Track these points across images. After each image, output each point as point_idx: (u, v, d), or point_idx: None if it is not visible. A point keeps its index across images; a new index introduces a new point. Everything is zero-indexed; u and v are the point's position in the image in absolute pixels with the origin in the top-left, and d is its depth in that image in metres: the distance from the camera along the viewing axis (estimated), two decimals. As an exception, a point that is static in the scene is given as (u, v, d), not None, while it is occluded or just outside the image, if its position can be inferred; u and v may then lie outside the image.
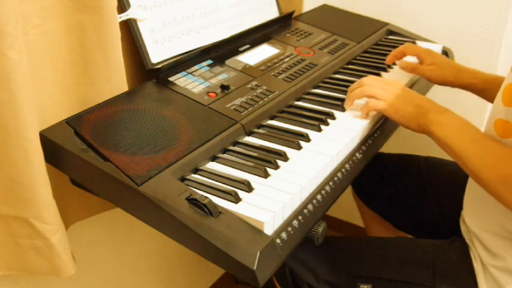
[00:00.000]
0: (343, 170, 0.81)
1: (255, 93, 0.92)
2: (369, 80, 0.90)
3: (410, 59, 1.12)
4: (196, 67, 0.97)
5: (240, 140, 0.82)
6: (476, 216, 0.84)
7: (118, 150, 0.72)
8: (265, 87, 0.95)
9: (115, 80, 0.83)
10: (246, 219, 0.64)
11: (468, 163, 0.75)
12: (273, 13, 1.23)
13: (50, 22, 0.75)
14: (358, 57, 1.19)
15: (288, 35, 1.19)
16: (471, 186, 0.87)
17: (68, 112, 0.80)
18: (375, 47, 1.27)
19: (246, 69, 1.00)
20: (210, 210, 0.64)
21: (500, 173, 0.71)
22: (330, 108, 0.94)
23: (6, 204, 0.72)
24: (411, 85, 1.11)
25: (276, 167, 0.75)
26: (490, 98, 0.93)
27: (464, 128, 0.78)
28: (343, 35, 1.25)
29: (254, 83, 0.96)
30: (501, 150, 0.72)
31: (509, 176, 0.69)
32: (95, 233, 1.04)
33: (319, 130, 0.86)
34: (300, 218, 0.69)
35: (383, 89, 0.88)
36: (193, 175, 0.73)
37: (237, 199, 0.67)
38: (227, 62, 1.01)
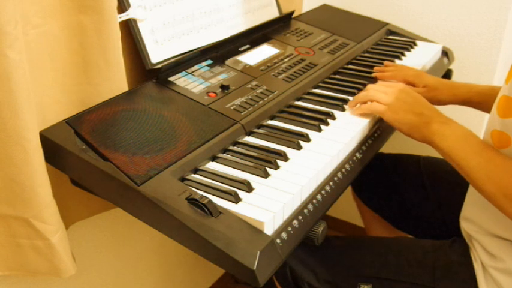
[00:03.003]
0: (343, 170, 0.81)
1: (255, 93, 0.92)
2: (374, 85, 0.90)
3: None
4: (196, 67, 0.97)
5: (240, 140, 0.82)
6: (474, 220, 0.84)
7: (118, 150, 0.72)
8: (265, 87, 0.95)
9: (115, 80, 0.83)
10: (246, 219, 0.64)
11: (471, 175, 0.74)
12: (273, 13, 1.23)
13: (50, 22, 0.75)
14: (358, 57, 1.19)
15: (288, 35, 1.19)
16: (470, 192, 0.87)
17: (68, 112, 0.80)
18: (375, 47, 1.27)
19: (246, 69, 1.00)
20: (210, 210, 0.64)
21: (504, 186, 0.70)
22: (330, 108, 0.94)
23: (6, 204, 0.72)
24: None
25: (276, 167, 0.75)
26: (488, 109, 0.91)
27: (468, 139, 0.77)
28: (343, 35, 1.25)
29: (254, 83, 0.96)
30: (504, 163, 0.72)
31: None
32: (95, 233, 1.03)
33: (319, 130, 0.86)
34: (300, 218, 0.69)
35: (386, 93, 0.87)
36: (193, 175, 0.73)
37: (237, 199, 0.67)
38: (227, 62, 1.01)
